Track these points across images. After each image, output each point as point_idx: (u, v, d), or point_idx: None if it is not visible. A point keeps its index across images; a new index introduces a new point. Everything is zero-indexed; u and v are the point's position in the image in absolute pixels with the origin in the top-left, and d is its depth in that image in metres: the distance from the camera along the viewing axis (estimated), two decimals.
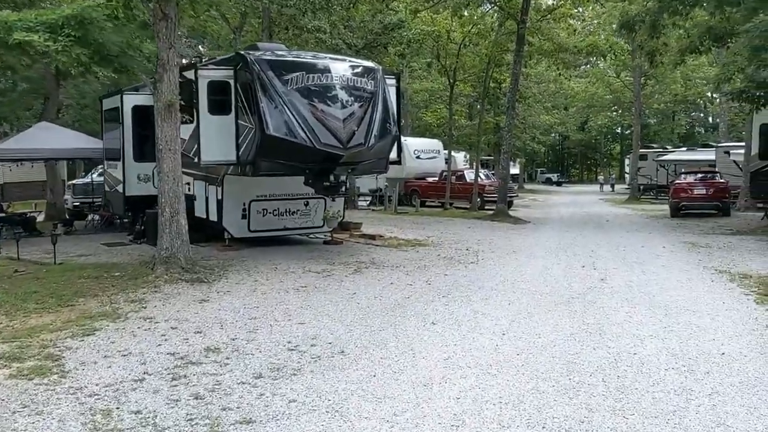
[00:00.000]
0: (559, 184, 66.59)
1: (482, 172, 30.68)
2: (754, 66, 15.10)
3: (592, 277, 9.81)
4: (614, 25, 35.65)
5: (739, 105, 20.33)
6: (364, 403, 4.67)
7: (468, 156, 37.28)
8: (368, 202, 30.16)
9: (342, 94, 11.23)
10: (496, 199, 23.71)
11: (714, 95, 57.14)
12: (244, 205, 12.76)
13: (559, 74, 30.74)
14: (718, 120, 58.48)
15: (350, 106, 11.29)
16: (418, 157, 30.53)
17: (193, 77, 11.68)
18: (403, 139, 31.30)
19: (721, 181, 23.20)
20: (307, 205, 13.33)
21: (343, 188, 12.59)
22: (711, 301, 7.94)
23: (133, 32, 10.77)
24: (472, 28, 25.20)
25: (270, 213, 13.17)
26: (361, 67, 11.90)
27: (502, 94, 27.72)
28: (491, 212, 23.12)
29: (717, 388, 4.87)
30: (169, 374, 5.31)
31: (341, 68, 11.61)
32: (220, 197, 12.58)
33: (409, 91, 37.76)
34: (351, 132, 11.03)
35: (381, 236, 15.20)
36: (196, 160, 11.65)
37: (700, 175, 23.54)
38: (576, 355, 5.72)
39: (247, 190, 12.69)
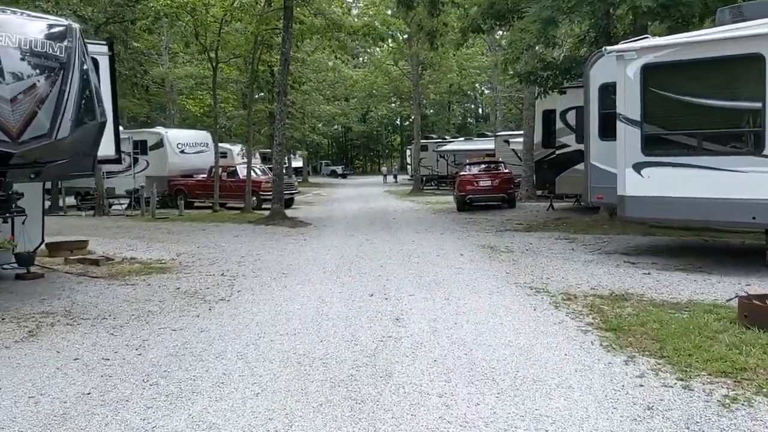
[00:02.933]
0: (344, 176, 66.57)
1: (259, 167, 27.59)
2: (543, 43, 13.68)
3: (383, 315, 7.13)
4: (390, 12, 34.51)
5: (527, 87, 19.36)
6: None
7: (245, 149, 33.88)
8: (125, 206, 25.53)
9: (11, 62, 7.45)
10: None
11: (485, 89, 59.58)
12: None
13: (336, 57, 28.45)
14: (488, 110, 61.22)
15: (26, 79, 7.57)
16: (182, 152, 26.64)
17: None
18: (164, 130, 27.39)
19: (506, 171, 22.42)
20: None
21: (16, 204, 8.68)
22: (548, 352, 5.59)
23: None
24: (234, 2, 21.78)
25: None
26: (46, 25, 8.09)
27: (274, 79, 24.70)
28: (268, 213, 20.13)
29: None
30: None
31: (11, 24, 7.75)
32: None
33: (171, 77, 33.26)
34: (26, 117, 7.36)
35: (109, 259, 11.43)
36: None
37: (484, 166, 22.57)
38: None
39: None
